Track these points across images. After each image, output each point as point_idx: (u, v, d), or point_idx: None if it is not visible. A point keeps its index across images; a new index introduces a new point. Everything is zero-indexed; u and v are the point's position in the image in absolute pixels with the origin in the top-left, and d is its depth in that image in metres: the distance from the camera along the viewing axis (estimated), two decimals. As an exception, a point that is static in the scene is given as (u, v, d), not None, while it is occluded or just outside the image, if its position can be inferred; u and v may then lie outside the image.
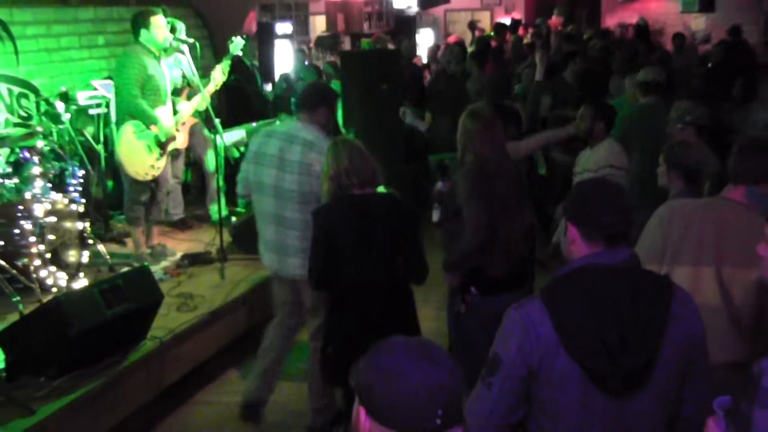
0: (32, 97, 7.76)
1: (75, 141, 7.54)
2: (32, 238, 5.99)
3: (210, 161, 8.16)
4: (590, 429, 2.59)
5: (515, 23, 18.39)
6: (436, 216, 5.16)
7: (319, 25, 17.49)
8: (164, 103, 6.95)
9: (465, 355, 4.55)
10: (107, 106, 7.61)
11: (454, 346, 4.93)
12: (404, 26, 17.80)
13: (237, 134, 8.67)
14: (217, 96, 7.89)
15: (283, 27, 12.62)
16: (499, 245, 4.60)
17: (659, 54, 12.86)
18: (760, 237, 3.32)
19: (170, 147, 7.01)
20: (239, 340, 6.47)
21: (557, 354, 2.53)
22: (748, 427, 2.11)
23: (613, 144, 6.06)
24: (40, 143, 6.65)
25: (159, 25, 6.80)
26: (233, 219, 7.98)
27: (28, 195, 6.18)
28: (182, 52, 7.24)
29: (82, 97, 7.87)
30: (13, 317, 5.40)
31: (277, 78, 11.30)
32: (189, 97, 7.41)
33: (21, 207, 6.05)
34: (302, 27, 16.33)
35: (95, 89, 8.00)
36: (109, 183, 8.04)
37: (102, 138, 7.77)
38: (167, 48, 7.09)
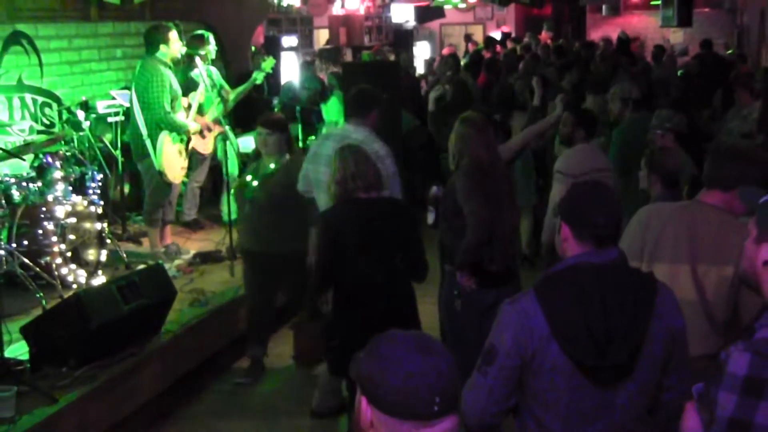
0: (55, 106, 7.76)
1: (94, 147, 7.54)
2: (54, 238, 6.00)
3: (234, 167, 8.16)
4: (578, 416, 2.61)
5: (505, 36, 18.40)
6: (430, 219, 5.16)
7: (322, 38, 17.51)
8: (180, 108, 7.00)
9: (457, 346, 4.55)
10: (125, 114, 7.61)
11: (447, 338, 4.92)
12: (402, 39, 17.82)
13: (248, 140, 8.66)
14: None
15: (289, 40, 12.63)
16: (496, 241, 4.62)
17: (641, 65, 12.87)
18: (732, 236, 3.34)
19: (190, 149, 7.10)
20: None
21: (549, 346, 2.55)
22: (713, 408, 2.13)
23: (595, 148, 6.03)
24: (62, 149, 6.66)
25: (174, 39, 6.87)
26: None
27: (50, 197, 6.18)
28: (206, 62, 7.37)
29: (101, 106, 7.86)
30: (37, 312, 5.41)
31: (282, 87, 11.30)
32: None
33: (44, 209, 6.05)
34: (307, 40, 16.35)
35: (113, 99, 8.00)
36: (126, 186, 8.04)
37: (119, 144, 7.77)
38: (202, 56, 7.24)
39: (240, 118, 8.84)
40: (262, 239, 5.77)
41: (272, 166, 5.69)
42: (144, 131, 6.87)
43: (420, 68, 15.64)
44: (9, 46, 7.50)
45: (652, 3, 19.21)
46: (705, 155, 3.87)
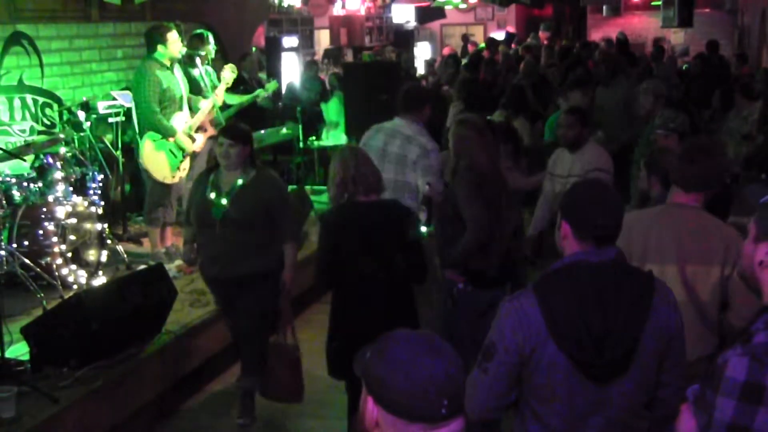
0: (56, 106, 7.78)
1: (95, 147, 7.55)
2: (55, 239, 6.00)
3: None
4: (575, 411, 2.64)
5: (509, 37, 18.40)
6: (423, 217, 5.17)
7: (323, 38, 17.52)
8: (181, 108, 6.99)
9: (455, 347, 4.55)
10: (125, 114, 7.62)
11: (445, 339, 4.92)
12: (403, 40, 17.83)
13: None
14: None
15: (290, 41, 12.62)
16: (493, 243, 4.62)
17: (642, 66, 12.86)
18: (714, 236, 3.40)
19: (191, 150, 7.06)
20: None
21: (546, 343, 2.58)
22: (711, 413, 2.13)
23: (598, 147, 6.04)
24: (62, 149, 6.67)
25: (174, 39, 6.85)
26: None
27: (51, 198, 6.19)
28: (204, 62, 7.36)
29: (102, 107, 7.87)
30: (37, 312, 5.42)
31: (284, 89, 11.31)
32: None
33: (44, 209, 6.06)
34: (308, 41, 16.36)
35: (114, 99, 8.01)
36: (127, 187, 8.05)
37: (120, 144, 7.78)
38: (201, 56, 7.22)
39: (240, 118, 8.84)
40: (231, 262, 5.12)
41: (240, 181, 5.11)
42: (137, 130, 6.92)
43: (420, 68, 15.65)
44: (10, 46, 7.51)
45: (653, 3, 19.22)
46: None
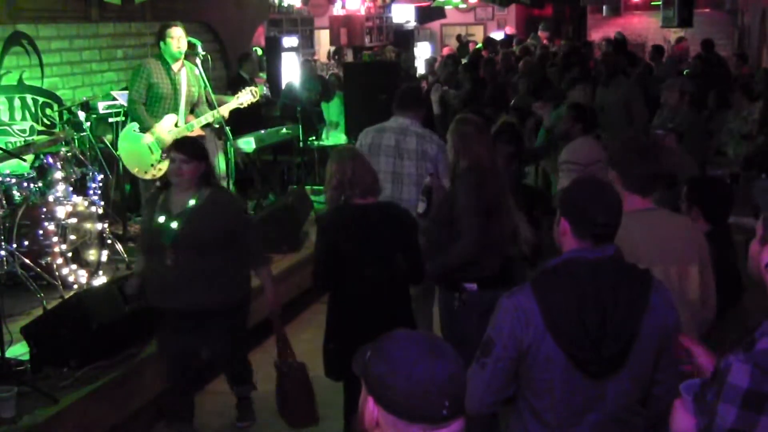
0: (56, 106, 7.78)
1: (95, 147, 7.54)
2: (55, 239, 6.00)
3: (221, 165, 8.15)
4: (572, 406, 2.66)
5: (509, 38, 18.40)
6: (421, 208, 5.13)
7: (323, 38, 17.52)
8: (172, 111, 6.96)
9: (457, 347, 4.55)
10: (125, 114, 7.63)
11: (448, 341, 4.90)
12: (403, 39, 17.82)
13: (248, 140, 8.67)
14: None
15: (290, 41, 12.62)
16: (493, 244, 4.61)
17: (642, 66, 12.86)
18: (687, 234, 3.44)
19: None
20: (248, 333, 6.45)
21: (544, 339, 2.60)
22: (713, 418, 2.13)
23: (581, 140, 6.03)
24: (62, 149, 6.67)
25: (174, 35, 6.85)
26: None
27: (51, 198, 6.19)
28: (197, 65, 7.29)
29: (102, 107, 7.88)
30: (37, 312, 5.42)
31: (283, 88, 11.31)
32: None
33: (44, 209, 6.06)
34: (308, 41, 16.37)
35: (114, 99, 8.02)
36: (127, 186, 8.05)
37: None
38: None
39: (239, 119, 8.83)
40: (186, 293, 4.65)
41: (193, 201, 4.66)
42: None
43: (420, 68, 15.65)
44: (10, 46, 7.51)
45: (653, 3, 19.22)
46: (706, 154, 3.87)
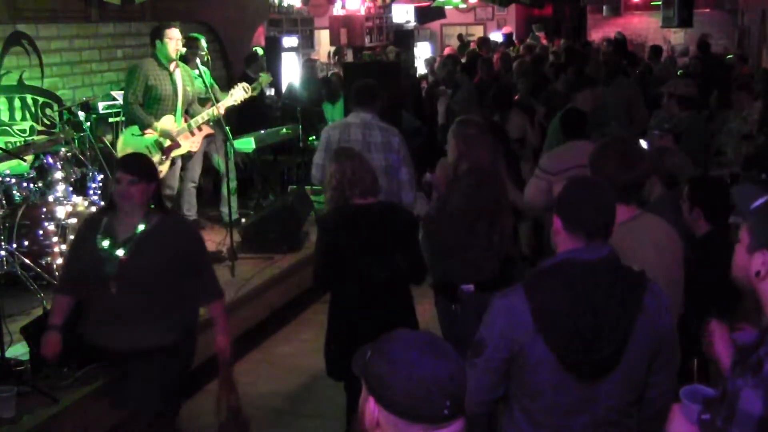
0: (56, 106, 7.78)
1: (95, 147, 7.55)
2: (55, 238, 6.01)
3: (221, 166, 8.15)
4: (563, 407, 2.66)
5: (508, 38, 18.41)
6: (422, 203, 5.11)
7: (323, 38, 17.51)
8: (171, 111, 6.96)
9: (457, 350, 4.54)
10: (124, 114, 7.63)
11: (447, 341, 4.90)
12: (403, 40, 17.81)
13: (248, 140, 8.66)
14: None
15: (290, 41, 12.65)
16: (492, 247, 4.60)
17: (642, 66, 12.86)
18: (671, 242, 3.42)
19: (174, 153, 6.99)
20: (248, 333, 6.47)
21: (535, 340, 2.60)
22: None
23: (566, 146, 6.01)
24: (62, 149, 6.67)
25: (170, 37, 6.84)
26: (243, 220, 7.98)
27: (51, 198, 6.19)
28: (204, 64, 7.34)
29: (102, 107, 7.89)
30: (37, 312, 5.42)
31: (283, 88, 11.32)
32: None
33: (44, 209, 6.06)
34: (308, 41, 16.36)
35: (114, 99, 8.02)
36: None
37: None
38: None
39: (241, 119, 8.84)
40: (128, 330, 4.07)
41: (141, 227, 4.09)
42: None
43: (421, 68, 15.64)
44: (10, 46, 7.52)
45: (653, 3, 19.22)
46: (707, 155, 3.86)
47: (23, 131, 7.50)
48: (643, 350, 2.63)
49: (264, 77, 8.18)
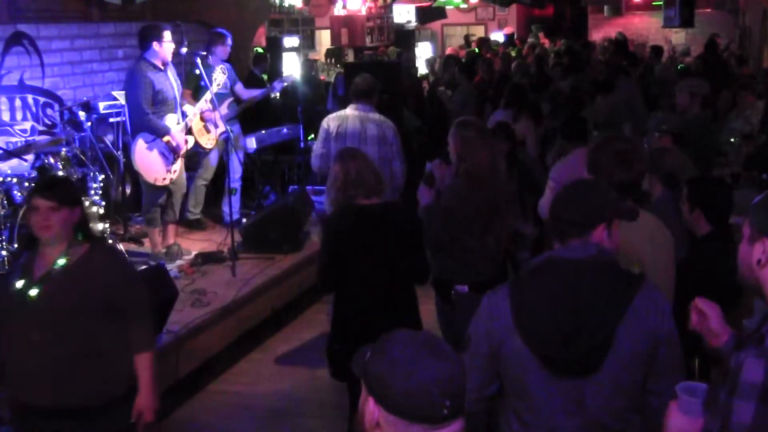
0: (56, 106, 7.78)
1: (96, 147, 7.54)
2: (56, 239, 5.99)
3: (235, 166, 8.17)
4: (550, 407, 2.65)
5: (509, 38, 18.39)
6: (425, 198, 5.08)
7: (324, 38, 17.53)
8: (173, 110, 6.97)
9: (457, 350, 4.55)
10: (126, 114, 7.63)
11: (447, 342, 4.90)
12: (404, 40, 17.82)
13: (249, 140, 8.67)
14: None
15: (291, 41, 12.65)
16: (487, 249, 4.60)
17: (642, 67, 12.86)
18: (664, 239, 3.41)
19: (183, 151, 7.01)
20: (249, 333, 6.48)
21: (513, 336, 2.62)
22: (728, 416, 2.11)
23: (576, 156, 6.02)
24: (63, 150, 6.67)
25: (168, 40, 6.82)
26: (244, 220, 7.98)
27: (52, 198, 6.17)
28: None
29: (103, 107, 7.88)
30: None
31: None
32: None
33: (46, 209, 6.04)
34: (309, 41, 16.36)
35: (115, 99, 8.02)
36: (128, 186, 8.05)
37: (120, 144, 7.79)
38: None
39: (241, 118, 8.84)
40: (50, 384, 3.48)
41: (61, 261, 3.49)
42: (129, 132, 6.95)
43: (422, 68, 15.64)
44: (11, 46, 7.51)
45: (654, 3, 19.20)
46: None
47: (24, 131, 7.49)
48: (632, 354, 2.59)
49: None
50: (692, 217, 4.05)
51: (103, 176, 7.14)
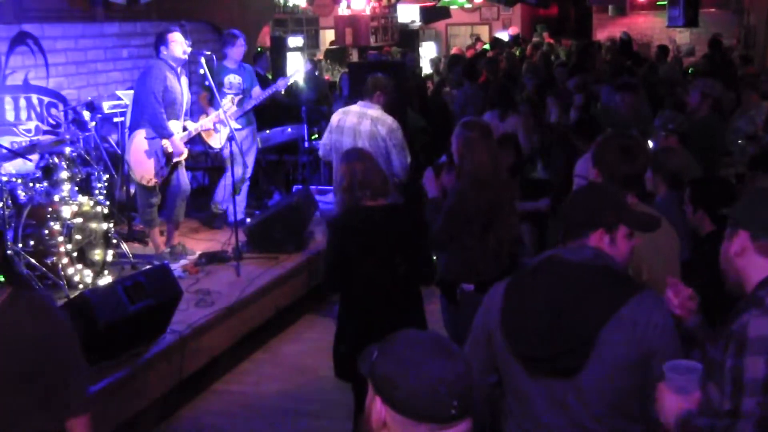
0: (61, 106, 7.79)
1: (100, 147, 7.56)
2: (60, 238, 6.01)
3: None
4: (535, 407, 2.67)
5: (514, 38, 18.38)
6: (431, 190, 5.06)
7: (328, 38, 17.53)
8: (178, 117, 6.96)
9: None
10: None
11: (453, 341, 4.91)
12: (408, 39, 17.81)
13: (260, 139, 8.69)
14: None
15: (295, 40, 12.66)
16: (489, 252, 4.60)
17: (647, 66, 12.84)
18: (667, 233, 3.40)
19: (175, 159, 6.97)
20: (253, 333, 6.48)
21: (498, 330, 2.69)
22: (740, 376, 2.15)
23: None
24: (67, 149, 6.68)
25: (177, 40, 6.81)
26: (248, 220, 7.99)
27: (56, 198, 6.20)
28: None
29: (107, 106, 7.89)
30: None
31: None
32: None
33: (50, 209, 6.07)
34: (313, 40, 16.38)
35: (119, 99, 8.03)
36: (132, 186, 8.06)
37: (125, 144, 7.80)
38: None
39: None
40: None
41: None
42: (128, 123, 6.95)
43: (426, 68, 15.63)
44: (15, 46, 7.53)
45: (659, 3, 19.17)
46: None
47: (28, 131, 7.51)
48: (617, 359, 2.52)
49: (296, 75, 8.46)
50: (695, 217, 4.05)
51: (107, 176, 7.16)
